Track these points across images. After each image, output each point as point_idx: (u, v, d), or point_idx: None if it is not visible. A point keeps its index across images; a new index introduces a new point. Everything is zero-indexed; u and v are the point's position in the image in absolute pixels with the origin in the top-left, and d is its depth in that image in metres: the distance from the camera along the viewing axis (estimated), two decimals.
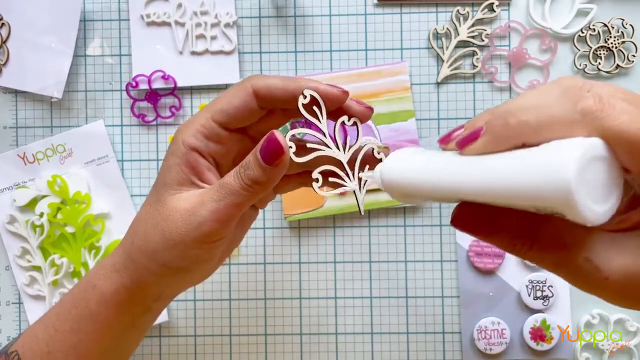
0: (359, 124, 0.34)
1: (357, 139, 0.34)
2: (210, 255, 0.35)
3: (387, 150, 0.34)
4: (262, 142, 0.32)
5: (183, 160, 0.34)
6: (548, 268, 0.25)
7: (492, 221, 0.26)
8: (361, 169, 0.33)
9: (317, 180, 0.32)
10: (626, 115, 0.21)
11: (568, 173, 0.20)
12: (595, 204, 0.21)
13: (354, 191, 0.33)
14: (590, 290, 0.24)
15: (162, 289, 0.37)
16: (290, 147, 0.31)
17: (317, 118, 0.33)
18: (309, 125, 0.52)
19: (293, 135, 0.32)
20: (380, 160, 0.32)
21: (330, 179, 0.33)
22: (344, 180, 0.33)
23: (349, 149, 0.33)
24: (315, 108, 0.33)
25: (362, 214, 0.34)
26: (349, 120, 0.34)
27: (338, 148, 0.33)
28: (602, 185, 0.21)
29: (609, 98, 0.21)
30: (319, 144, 0.33)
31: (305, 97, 0.32)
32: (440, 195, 0.27)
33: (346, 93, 0.33)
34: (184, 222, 0.33)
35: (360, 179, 0.33)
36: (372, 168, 0.33)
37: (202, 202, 0.33)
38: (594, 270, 0.23)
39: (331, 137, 0.33)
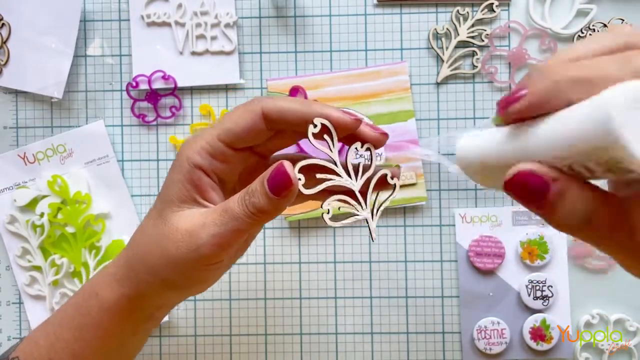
0: (372, 150, 0.33)
1: (370, 166, 0.32)
2: (210, 275, 0.35)
3: (398, 169, 0.34)
4: (271, 172, 0.31)
5: (186, 177, 0.34)
6: (606, 250, 0.24)
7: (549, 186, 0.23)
8: (374, 190, 0.32)
9: (327, 211, 0.32)
10: None
11: (609, 109, 0.20)
12: None
13: (366, 219, 0.33)
14: None
15: (163, 300, 0.37)
16: (299, 179, 0.30)
17: (329, 146, 0.32)
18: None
19: (303, 166, 0.31)
20: (394, 186, 0.32)
21: (342, 208, 0.32)
22: (356, 209, 0.32)
23: (361, 176, 0.32)
24: (326, 136, 0.32)
25: (374, 240, 0.34)
26: (362, 147, 0.33)
27: (349, 176, 0.32)
28: None
29: None
30: (329, 172, 0.32)
31: (315, 126, 0.31)
32: (508, 165, 0.25)
33: (359, 121, 0.32)
34: (184, 242, 0.33)
35: (373, 207, 0.32)
36: (385, 189, 0.32)
37: (204, 224, 0.32)
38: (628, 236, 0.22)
39: (342, 165, 0.32)
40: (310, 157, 0.32)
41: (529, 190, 0.23)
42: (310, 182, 0.31)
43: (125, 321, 0.36)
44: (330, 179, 0.32)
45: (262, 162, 0.37)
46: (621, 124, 0.20)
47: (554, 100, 0.23)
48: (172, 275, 0.34)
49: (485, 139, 0.28)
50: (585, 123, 0.21)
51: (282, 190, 0.31)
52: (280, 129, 0.35)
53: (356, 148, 0.32)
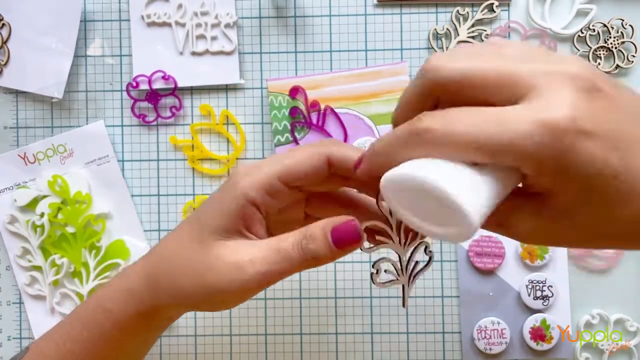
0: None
1: (417, 237, 0.33)
2: (235, 304, 0.35)
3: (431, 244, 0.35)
4: (338, 224, 0.31)
5: (240, 211, 0.33)
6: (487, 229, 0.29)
7: None
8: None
9: (377, 272, 0.33)
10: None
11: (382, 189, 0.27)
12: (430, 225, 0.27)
13: (403, 286, 0.34)
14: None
15: (179, 315, 0.37)
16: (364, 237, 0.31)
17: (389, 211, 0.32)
18: (311, 125, 0.52)
19: (367, 227, 0.32)
20: (430, 259, 0.33)
21: (385, 271, 0.33)
22: (397, 274, 0.33)
23: (409, 243, 0.33)
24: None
25: (405, 307, 0.35)
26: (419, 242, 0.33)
27: (400, 243, 0.33)
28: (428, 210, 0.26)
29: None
30: (384, 232, 0.33)
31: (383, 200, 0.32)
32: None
33: None
34: (228, 274, 0.32)
35: (410, 275, 0.33)
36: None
37: (253, 261, 0.32)
38: (507, 230, 0.28)
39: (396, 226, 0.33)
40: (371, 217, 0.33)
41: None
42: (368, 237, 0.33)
43: (138, 335, 0.36)
44: (386, 242, 0.32)
45: (301, 196, 0.36)
46: (388, 198, 0.27)
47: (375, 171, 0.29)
48: (201, 299, 0.33)
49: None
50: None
51: (347, 245, 0.31)
52: (338, 174, 0.34)
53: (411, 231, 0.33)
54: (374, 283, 0.33)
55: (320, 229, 0.32)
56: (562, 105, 0.23)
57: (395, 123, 0.29)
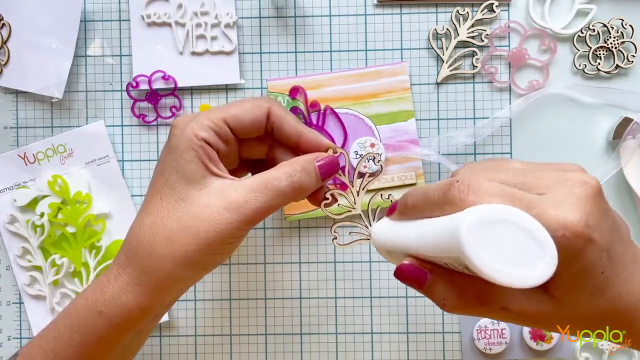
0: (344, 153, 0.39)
1: (355, 168, 0.39)
2: (230, 251, 0.36)
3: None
4: (324, 159, 0.37)
5: (200, 153, 0.34)
6: (475, 315, 0.31)
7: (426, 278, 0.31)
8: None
9: (336, 237, 0.39)
10: (495, 198, 0.27)
11: (459, 230, 0.24)
12: (510, 266, 0.25)
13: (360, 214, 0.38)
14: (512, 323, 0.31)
15: (178, 294, 0.37)
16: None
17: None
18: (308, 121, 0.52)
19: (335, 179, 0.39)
20: (391, 202, 0.36)
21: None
22: (360, 228, 0.38)
23: (359, 189, 0.39)
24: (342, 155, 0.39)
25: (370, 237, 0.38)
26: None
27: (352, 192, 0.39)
28: (515, 249, 0.25)
29: (475, 184, 0.27)
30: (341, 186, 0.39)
31: (327, 199, 0.39)
32: (399, 252, 0.32)
33: (336, 156, 0.38)
34: (226, 219, 0.33)
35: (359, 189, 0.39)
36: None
37: (246, 201, 0.34)
38: (507, 314, 0.30)
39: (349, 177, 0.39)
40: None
41: (409, 279, 0.30)
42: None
43: (134, 330, 0.35)
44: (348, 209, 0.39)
45: (242, 164, 0.40)
46: (467, 241, 0.24)
47: (410, 216, 0.32)
48: (201, 256, 0.34)
49: (385, 227, 0.35)
50: (442, 233, 0.27)
51: (330, 176, 0.37)
52: (273, 136, 0.38)
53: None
54: (337, 245, 0.38)
55: (308, 163, 0.36)
56: (580, 212, 0.27)
57: (409, 211, 0.32)
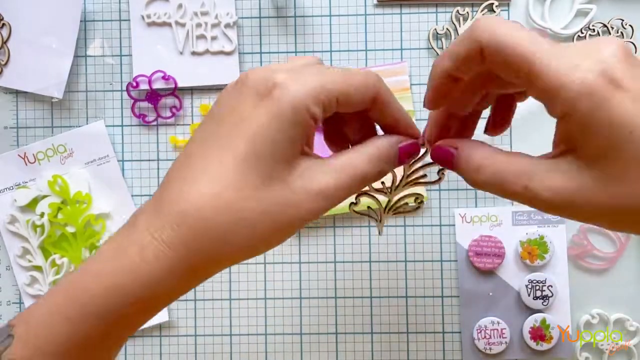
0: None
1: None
2: None
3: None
4: (408, 143, 0.33)
5: (307, 131, 0.29)
6: (499, 195, 0.31)
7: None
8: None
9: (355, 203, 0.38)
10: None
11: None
12: None
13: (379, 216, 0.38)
14: (532, 207, 0.29)
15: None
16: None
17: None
18: None
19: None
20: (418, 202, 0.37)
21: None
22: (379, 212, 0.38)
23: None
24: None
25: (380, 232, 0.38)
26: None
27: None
28: None
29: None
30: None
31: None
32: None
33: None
34: (313, 205, 0.29)
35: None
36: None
37: (336, 187, 0.30)
38: (533, 196, 0.28)
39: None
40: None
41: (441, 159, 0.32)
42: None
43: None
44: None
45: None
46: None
47: None
48: (275, 244, 0.30)
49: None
50: None
51: (408, 160, 0.34)
52: (367, 113, 0.33)
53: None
54: (352, 212, 0.37)
55: (394, 147, 0.33)
56: (600, 62, 0.25)
57: (437, 74, 0.31)
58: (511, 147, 0.53)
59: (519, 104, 0.37)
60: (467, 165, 0.31)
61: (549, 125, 0.44)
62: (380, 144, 0.32)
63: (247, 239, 0.28)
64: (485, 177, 0.30)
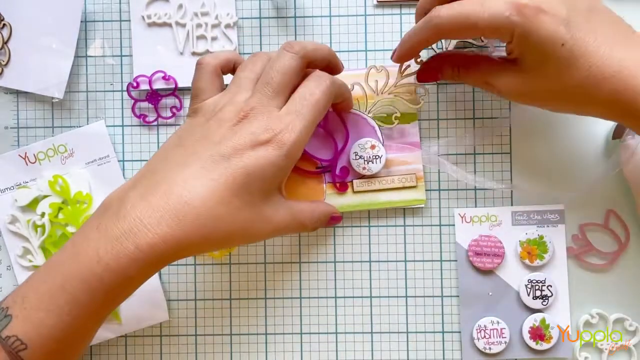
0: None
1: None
2: None
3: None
4: (338, 217, 0.51)
5: (287, 174, 0.42)
6: (473, 85, 0.48)
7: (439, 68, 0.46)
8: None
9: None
10: None
11: None
12: None
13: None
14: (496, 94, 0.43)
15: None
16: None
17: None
18: None
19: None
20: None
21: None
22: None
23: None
24: None
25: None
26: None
27: None
28: None
29: None
30: None
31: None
32: None
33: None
34: (267, 232, 0.41)
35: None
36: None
37: (286, 225, 0.42)
38: (492, 87, 0.41)
39: None
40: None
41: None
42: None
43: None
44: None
45: None
46: None
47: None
48: (230, 245, 0.41)
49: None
50: None
51: (332, 223, 0.50)
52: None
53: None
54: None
55: (327, 217, 0.48)
56: None
57: (399, 58, 0.46)
58: (511, 147, 0.53)
59: (520, 108, 0.45)
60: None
61: (549, 125, 0.45)
62: (324, 210, 0.47)
63: (221, 238, 0.37)
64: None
